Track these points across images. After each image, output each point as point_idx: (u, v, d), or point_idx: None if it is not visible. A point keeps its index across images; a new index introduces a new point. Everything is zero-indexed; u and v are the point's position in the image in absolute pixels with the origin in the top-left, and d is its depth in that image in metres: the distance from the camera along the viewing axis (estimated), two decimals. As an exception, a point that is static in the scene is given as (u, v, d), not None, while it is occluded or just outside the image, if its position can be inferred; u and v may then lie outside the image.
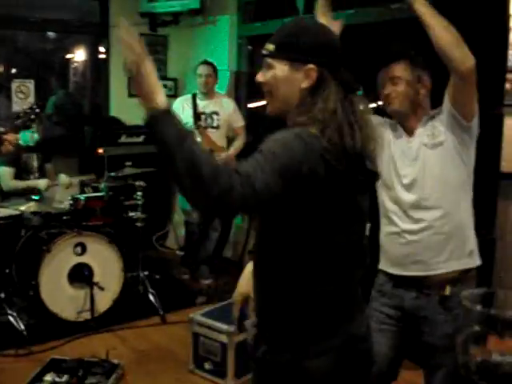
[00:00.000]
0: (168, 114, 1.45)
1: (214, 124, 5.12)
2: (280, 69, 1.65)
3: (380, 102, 2.46)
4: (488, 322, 0.86)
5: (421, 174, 2.35)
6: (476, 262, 2.41)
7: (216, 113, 5.13)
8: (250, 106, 6.02)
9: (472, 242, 2.40)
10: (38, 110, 2.75)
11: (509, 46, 3.63)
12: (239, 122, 5.28)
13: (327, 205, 1.56)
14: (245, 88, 6.01)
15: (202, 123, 5.04)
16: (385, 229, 2.49)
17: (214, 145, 5.03)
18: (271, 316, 1.70)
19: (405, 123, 2.44)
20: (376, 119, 2.48)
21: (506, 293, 0.98)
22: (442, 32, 2.12)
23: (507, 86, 3.72)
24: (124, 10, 5.87)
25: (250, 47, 6.02)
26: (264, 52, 1.69)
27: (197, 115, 5.05)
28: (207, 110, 5.11)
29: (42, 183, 4.70)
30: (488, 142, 3.55)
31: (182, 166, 1.38)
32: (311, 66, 1.61)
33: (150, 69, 1.46)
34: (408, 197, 2.37)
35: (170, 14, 5.88)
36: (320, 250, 1.60)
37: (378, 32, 4.90)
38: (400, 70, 2.37)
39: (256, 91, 6.23)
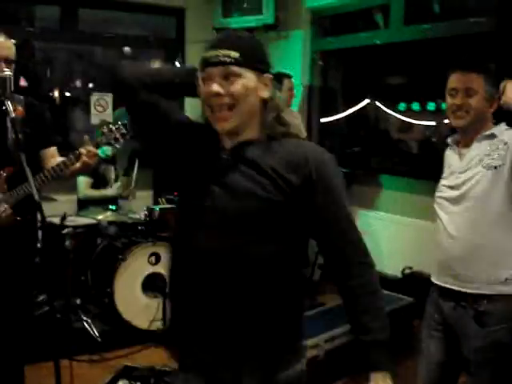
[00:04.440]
0: None
1: None
2: (249, 78, 1.56)
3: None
4: None
5: (466, 188, 2.32)
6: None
7: None
8: (323, 120, 6.00)
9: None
10: (124, 131, 2.72)
11: None
12: (304, 133, 5.16)
13: None
14: (317, 102, 6.00)
15: None
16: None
17: None
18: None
19: (462, 136, 2.43)
20: None
21: None
22: None
23: None
24: (199, 26, 5.99)
25: (320, 63, 6.00)
26: (225, 59, 1.54)
27: None
28: None
29: (113, 189, 4.82)
30: None
31: None
32: (269, 75, 1.61)
33: None
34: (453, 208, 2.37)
35: (244, 30, 5.92)
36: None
37: (453, 46, 4.82)
38: (478, 82, 2.31)
39: (329, 106, 6.21)
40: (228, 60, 1.53)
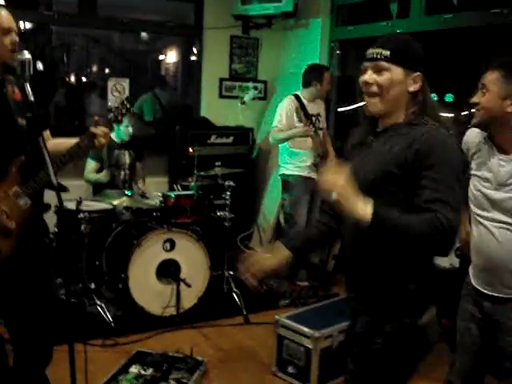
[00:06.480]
0: (374, 218, 1.70)
1: (321, 125, 4.99)
2: (396, 72, 1.84)
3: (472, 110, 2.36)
4: None
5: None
6: None
7: (319, 114, 5.03)
8: (340, 109, 5.96)
9: None
10: (129, 106, 2.79)
11: None
12: (324, 123, 5.20)
13: None
14: (335, 91, 5.95)
15: (317, 125, 4.88)
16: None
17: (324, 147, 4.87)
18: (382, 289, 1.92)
19: (493, 139, 2.34)
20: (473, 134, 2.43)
21: None
22: None
23: None
24: (218, 13, 5.96)
25: (338, 52, 5.95)
26: (378, 56, 1.84)
27: (309, 117, 4.85)
28: (314, 112, 4.96)
29: (102, 176, 4.77)
30: None
31: (416, 236, 1.71)
32: (419, 73, 1.86)
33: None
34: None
35: (262, 17, 5.90)
36: None
37: (475, 37, 4.76)
38: (491, 79, 2.26)
39: (346, 95, 6.14)
40: (379, 56, 1.84)
